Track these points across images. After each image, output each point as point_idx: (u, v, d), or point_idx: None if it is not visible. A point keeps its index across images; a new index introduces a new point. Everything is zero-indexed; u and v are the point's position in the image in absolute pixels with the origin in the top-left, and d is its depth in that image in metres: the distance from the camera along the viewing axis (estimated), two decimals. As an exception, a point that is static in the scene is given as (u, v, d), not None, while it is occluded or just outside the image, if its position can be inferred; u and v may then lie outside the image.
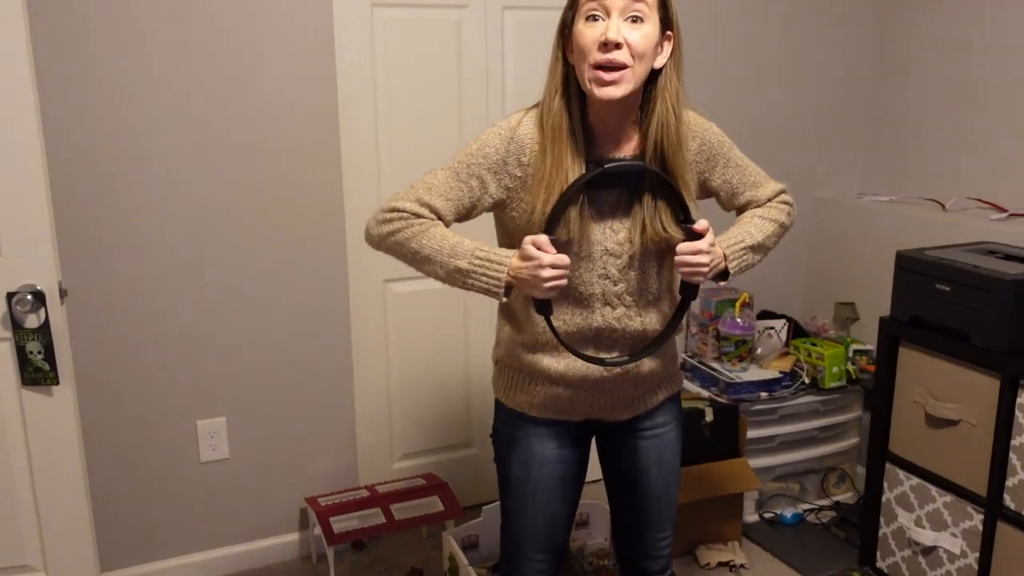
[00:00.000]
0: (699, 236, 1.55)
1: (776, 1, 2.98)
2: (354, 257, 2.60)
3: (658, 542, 1.85)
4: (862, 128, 3.20)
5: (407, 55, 2.56)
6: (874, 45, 3.12)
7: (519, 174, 1.58)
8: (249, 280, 2.48)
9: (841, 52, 3.10)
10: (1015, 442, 2.12)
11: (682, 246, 1.55)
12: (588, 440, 1.78)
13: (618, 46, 1.45)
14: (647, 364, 1.69)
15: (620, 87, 1.47)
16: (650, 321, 1.66)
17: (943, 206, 2.84)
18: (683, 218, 1.57)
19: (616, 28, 1.44)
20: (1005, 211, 2.66)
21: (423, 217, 1.59)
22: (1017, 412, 2.10)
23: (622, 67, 1.46)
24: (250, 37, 2.35)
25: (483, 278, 1.53)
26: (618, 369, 1.65)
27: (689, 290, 1.64)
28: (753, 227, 1.73)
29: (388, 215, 1.61)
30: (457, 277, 1.56)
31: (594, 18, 1.47)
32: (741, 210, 1.78)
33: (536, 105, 1.62)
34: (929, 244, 2.52)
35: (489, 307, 2.81)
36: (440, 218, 1.61)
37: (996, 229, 2.57)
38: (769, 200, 1.78)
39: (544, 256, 1.45)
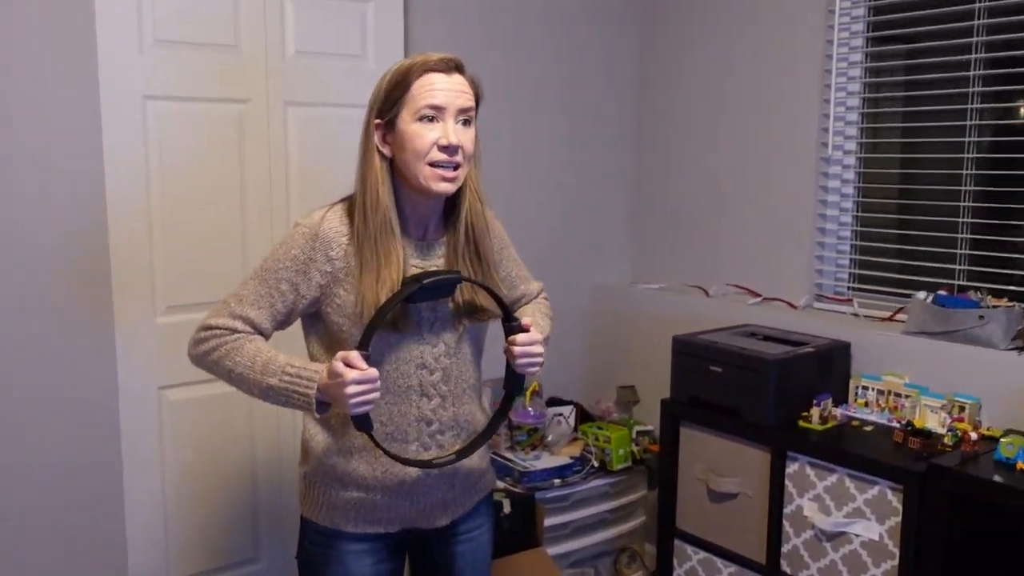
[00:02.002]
0: (526, 331, 1.59)
1: (545, 108, 3.16)
2: (124, 364, 2.39)
3: None
4: (630, 221, 3.43)
5: (185, 149, 2.44)
6: (635, 144, 3.38)
7: (329, 269, 1.55)
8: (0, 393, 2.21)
9: (608, 152, 3.34)
10: (787, 510, 2.29)
11: (520, 338, 1.59)
12: (404, 552, 1.72)
13: (457, 149, 1.51)
14: (464, 462, 1.67)
15: (455, 183, 1.54)
16: (468, 412, 1.67)
17: (707, 292, 3.09)
18: (504, 316, 1.61)
19: (454, 132, 1.51)
20: (759, 295, 2.94)
21: (237, 331, 1.54)
22: (787, 482, 2.28)
23: (458, 166, 1.53)
24: (3, 130, 2.15)
25: (294, 395, 1.48)
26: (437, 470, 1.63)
27: (517, 382, 1.65)
28: (542, 321, 1.82)
29: (202, 334, 1.56)
30: (270, 395, 1.51)
31: (429, 119, 1.50)
32: (514, 303, 1.84)
33: (340, 201, 1.61)
34: (697, 328, 2.72)
35: (276, 412, 2.67)
36: (257, 328, 1.56)
37: (753, 312, 2.82)
38: (538, 295, 1.90)
39: (348, 373, 1.41)
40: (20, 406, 2.25)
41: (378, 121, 1.55)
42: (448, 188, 1.54)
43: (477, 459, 1.72)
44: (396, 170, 1.56)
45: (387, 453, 1.54)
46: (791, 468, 2.27)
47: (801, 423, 2.33)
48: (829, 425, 2.32)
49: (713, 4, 3.06)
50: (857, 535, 2.14)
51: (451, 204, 1.62)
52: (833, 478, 2.18)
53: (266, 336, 1.59)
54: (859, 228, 2.80)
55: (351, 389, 1.41)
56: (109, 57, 2.29)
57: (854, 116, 2.77)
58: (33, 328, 2.24)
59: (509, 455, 2.88)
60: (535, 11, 3.08)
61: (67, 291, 2.28)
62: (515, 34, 3.04)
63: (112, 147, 2.32)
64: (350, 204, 1.59)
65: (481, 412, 1.72)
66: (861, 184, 2.79)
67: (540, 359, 1.62)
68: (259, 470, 2.68)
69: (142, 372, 2.43)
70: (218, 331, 1.55)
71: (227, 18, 2.47)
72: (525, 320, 1.62)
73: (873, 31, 2.73)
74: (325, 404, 1.50)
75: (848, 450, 2.17)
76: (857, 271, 2.81)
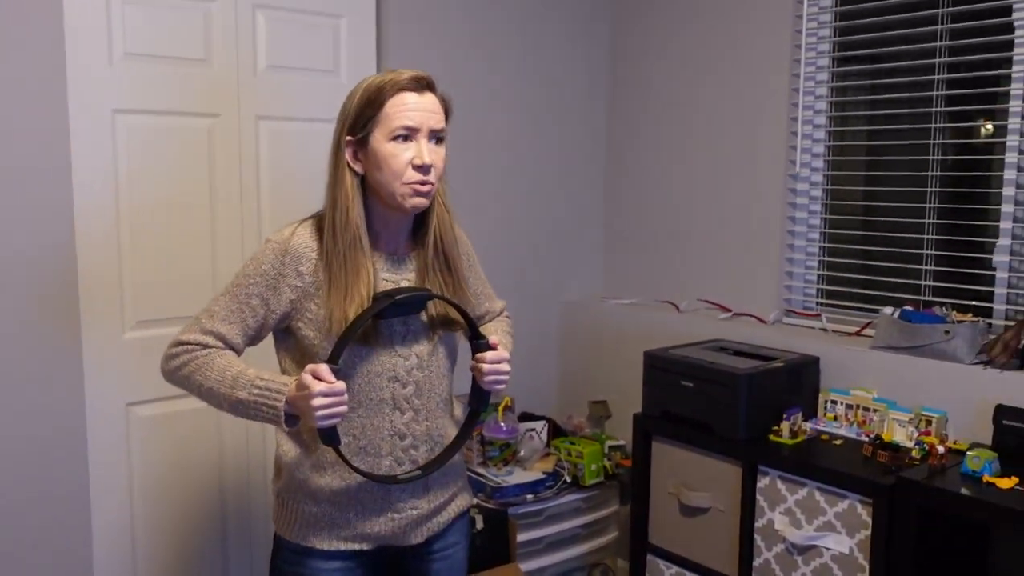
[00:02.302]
0: (493, 349, 1.61)
1: (516, 124, 3.17)
2: (92, 380, 2.36)
3: None
4: (601, 237, 3.45)
5: (155, 164, 2.41)
6: (606, 160, 3.40)
7: (299, 284, 1.56)
8: (-39, 412, 2.17)
9: (579, 167, 3.36)
10: (758, 524, 2.30)
11: (488, 355, 1.60)
12: (379, 571, 1.71)
13: (430, 168, 1.53)
14: (438, 476, 1.67)
15: (429, 198, 1.57)
16: (441, 426, 1.66)
17: (677, 307, 3.11)
18: (472, 334, 1.62)
19: (428, 152, 1.53)
20: (729, 311, 2.96)
21: (208, 347, 1.54)
22: (758, 496, 2.30)
23: (431, 184, 1.55)
24: (-32, 141, 2.12)
25: (263, 408, 1.48)
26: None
27: (482, 399, 1.66)
28: (505, 339, 1.84)
29: (174, 350, 1.56)
30: (240, 409, 1.50)
31: (404, 138, 1.52)
32: (478, 320, 1.83)
33: (311, 217, 1.61)
34: (669, 343, 2.74)
35: (244, 428, 2.65)
36: (228, 344, 1.56)
37: (724, 327, 2.85)
38: (501, 312, 1.92)
39: (316, 385, 1.41)
40: (-17, 424, 2.21)
41: (349, 138, 1.55)
42: (421, 203, 1.56)
43: (451, 475, 1.72)
44: (367, 186, 1.57)
45: (352, 467, 1.53)
46: (762, 482, 2.28)
47: (772, 437, 2.35)
48: (799, 439, 2.34)
49: (682, 21, 3.10)
50: (828, 548, 2.16)
51: (420, 218, 1.64)
52: (803, 492, 2.20)
53: (238, 351, 1.59)
54: (827, 244, 2.83)
55: (318, 401, 1.41)
56: (78, 70, 2.27)
57: (821, 134, 2.82)
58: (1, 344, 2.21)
59: (481, 470, 2.88)
60: (507, 26, 3.10)
61: (34, 306, 2.25)
62: (486, 49, 3.05)
63: (80, 160, 2.29)
64: (320, 220, 1.59)
65: (454, 427, 1.72)
66: (828, 201, 2.83)
67: (507, 377, 1.64)
68: (228, 487, 2.65)
69: (110, 388, 2.39)
70: (189, 346, 1.56)
71: (198, 31, 2.46)
72: (492, 338, 1.64)
73: (839, 51, 2.78)
74: (294, 417, 1.49)
75: (818, 464, 2.19)
76: (825, 287, 2.84)
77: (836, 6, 2.75)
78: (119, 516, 2.45)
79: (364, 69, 2.72)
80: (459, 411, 1.76)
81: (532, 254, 3.27)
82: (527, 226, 3.25)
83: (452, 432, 1.70)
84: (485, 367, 1.60)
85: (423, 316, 1.62)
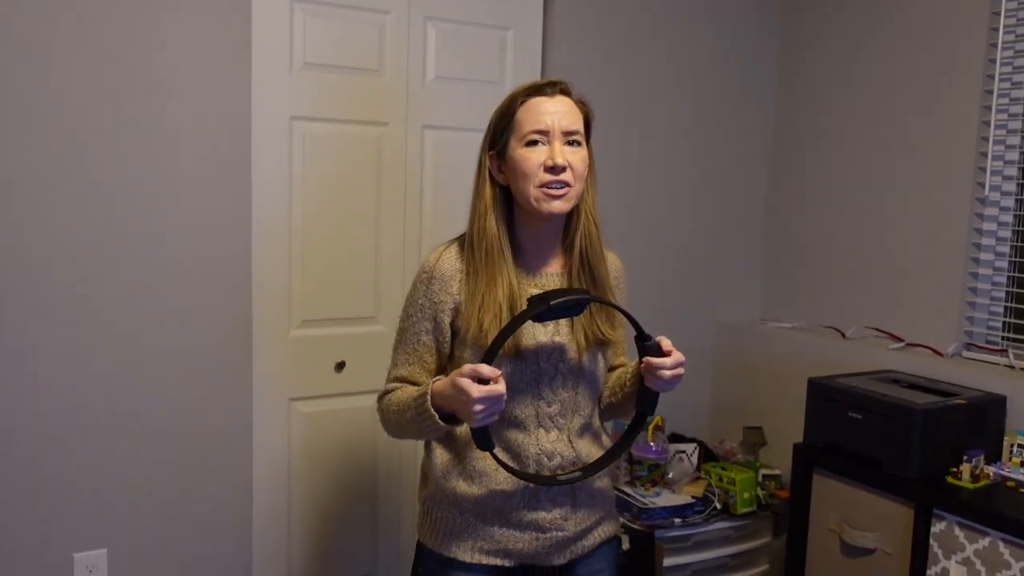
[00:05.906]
0: (663, 353, 1.53)
1: (678, 138, 3.10)
2: (259, 373, 2.46)
3: None
4: (762, 256, 3.32)
5: (326, 168, 2.51)
6: (771, 178, 3.28)
7: (452, 305, 1.58)
8: (141, 396, 2.30)
9: (741, 183, 3.25)
10: (930, 572, 2.13)
11: (667, 360, 1.51)
12: None
13: (564, 168, 1.50)
14: (586, 498, 1.63)
15: (566, 201, 1.53)
16: (584, 447, 1.62)
17: (843, 334, 2.94)
18: (638, 335, 1.53)
19: (560, 152, 1.50)
20: (902, 340, 2.77)
21: (395, 391, 1.60)
22: (931, 541, 2.13)
23: (567, 185, 1.51)
24: (165, 139, 2.26)
25: (424, 418, 1.49)
26: (559, 511, 1.60)
27: (651, 403, 1.58)
28: None
29: (377, 406, 1.64)
30: (416, 429, 1.53)
31: (535, 143, 1.51)
32: (612, 369, 1.76)
33: (454, 240, 1.63)
34: (833, 371, 2.59)
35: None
36: (414, 382, 1.60)
37: (895, 358, 2.66)
38: None
39: (473, 390, 1.37)
40: (162, 417, 2.34)
41: (491, 152, 1.57)
42: (559, 206, 1.52)
43: (599, 500, 1.67)
44: (513, 199, 1.57)
45: (503, 464, 1.50)
46: (937, 527, 2.11)
47: (949, 479, 2.17)
48: (981, 483, 2.15)
49: (861, 32, 2.94)
50: (1011, 606, 1.97)
51: (567, 233, 1.61)
52: (985, 541, 2.02)
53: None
54: (1017, 274, 2.61)
55: (477, 407, 1.37)
56: (261, 78, 2.38)
57: (1014, 155, 2.60)
58: (178, 340, 2.33)
59: (628, 490, 2.81)
60: (672, 38, 3.04)
61: (212, 303, 2.36)
62: (651, 59, 2.99)
63: (259, 164, 2.40)
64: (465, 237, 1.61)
65: (600, 450, 1.66)
66: (1020, 228, 2.61)
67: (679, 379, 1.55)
68: (380, 485, 2.70)
69: (275, 384, 2.49)
70: (383, 399, 1.62)
71: (373, 43, 2.53)
72: (665, 341, 1.53)
73: (1040, 65, 2.56)
74: (454, 417, 1.47)
75: (1004, 513, 2.00)
76: (1013, 320, 2.61)
77: (1038, 16, 2.54)
78: (277, 504, 2.54)
79: (529, 79, 2.72)
80: (605, 436, 1.72)
81: (688, 271, 3.18)
82: (683, 242, 3.16)
83: (598, 455, 1.65)
84: (668, 361, 1.50)
85: (571, 333, 1.58)
